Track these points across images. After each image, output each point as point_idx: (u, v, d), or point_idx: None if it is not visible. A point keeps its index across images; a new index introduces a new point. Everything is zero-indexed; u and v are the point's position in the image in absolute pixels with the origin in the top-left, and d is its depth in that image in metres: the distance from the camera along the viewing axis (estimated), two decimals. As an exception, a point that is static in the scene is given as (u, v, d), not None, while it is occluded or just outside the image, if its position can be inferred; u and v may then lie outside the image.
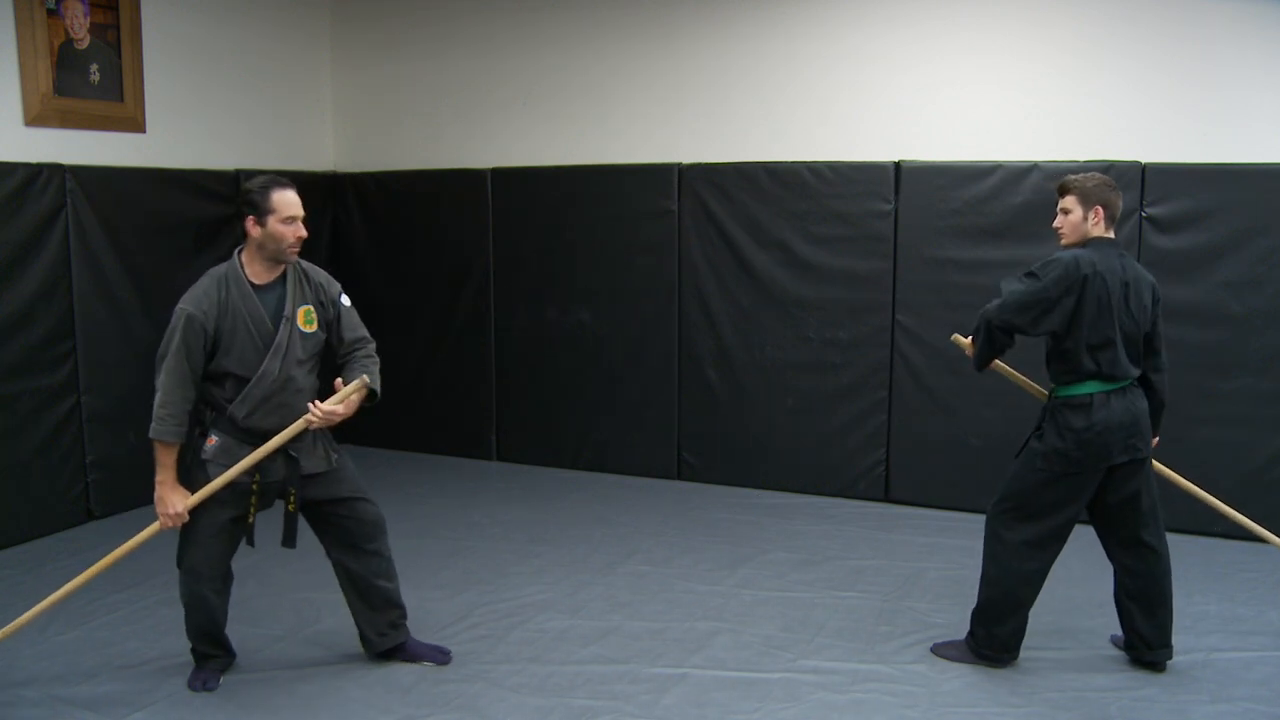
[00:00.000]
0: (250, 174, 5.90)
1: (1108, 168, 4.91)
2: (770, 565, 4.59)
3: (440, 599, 4.18)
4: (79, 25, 5.08)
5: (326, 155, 6.82)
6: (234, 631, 3.79)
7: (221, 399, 3.23)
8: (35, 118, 4.92)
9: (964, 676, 3.51)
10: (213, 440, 3.23)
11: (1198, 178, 4.83)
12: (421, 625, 3.86)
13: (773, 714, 3.27)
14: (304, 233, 3.24)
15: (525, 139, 6.30)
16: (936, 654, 3.67)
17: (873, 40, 5.45)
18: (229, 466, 3.19)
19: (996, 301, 3.39)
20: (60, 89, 5.02)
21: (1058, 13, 5.10)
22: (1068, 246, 3.47)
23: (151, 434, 3.15)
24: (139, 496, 5.34)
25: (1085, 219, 3.40)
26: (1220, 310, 4.84)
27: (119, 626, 3.90)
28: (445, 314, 6.44)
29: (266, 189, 3.18)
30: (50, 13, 4.94)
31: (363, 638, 3.56)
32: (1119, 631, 3.70)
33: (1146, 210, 4.91)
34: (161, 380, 3.14)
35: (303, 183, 6.32)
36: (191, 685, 3.40)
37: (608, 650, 3.72)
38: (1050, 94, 5.14)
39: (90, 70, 5.16)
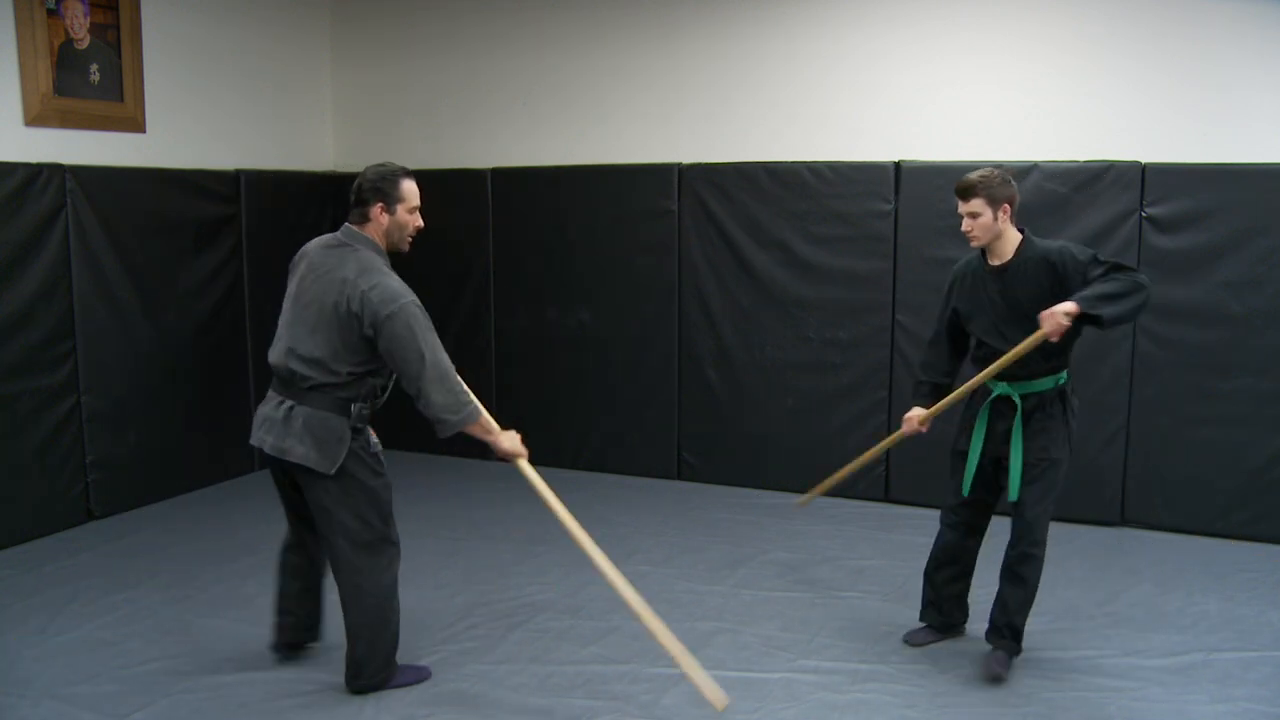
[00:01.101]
0: (250, 174, 5.94)
1: (1108, 168, 4.92)
2: (770, 565, 4.59)
3: (440, 599, 4.18)
4: (79, 25, 5.08)
5: (326, 155, 6.82)
6: (234, 631, 3.81)
7: (379, 388, 3.26)
8: (35, 118, 4.92)
9: (964, 677, 3.51)
10: (373, 434, 3.28)
11: (1198, 178, 4.83)
12: (421, 625, 3.87)
13: (773, 714, 3.27)
14: (422, 223, 3.28)
15: (525, 139, 6.30)
16: (994, 675, 3.46)
17: (873, 40, 5.46)
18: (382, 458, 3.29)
19: (1136, 273, 3.21)
20: (60, 89, 5.02)
21: (1058, 13, 5.10)
22: (978, 247, 3.48)
23: (467, 419, 3.14)
24: (139, 496, 5.37)
25: (995, 219, 3.38)
26: (1220, 310, 4.84)
27: (119, 626, 3.89)
28: (445, 314, 6.42)
29: (395, 177, 3.19)
30: (50, 13, 4.94)
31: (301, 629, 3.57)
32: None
33: (1146, 210, 4.91)
34: (447, 366, 3.11)
35: (303, 183, 6.41)
36: (410, 680, 3.43)
37: (608, 650, 3.72)
38: (1050, 94, 5.14)
39: (90, 70, 5.16)
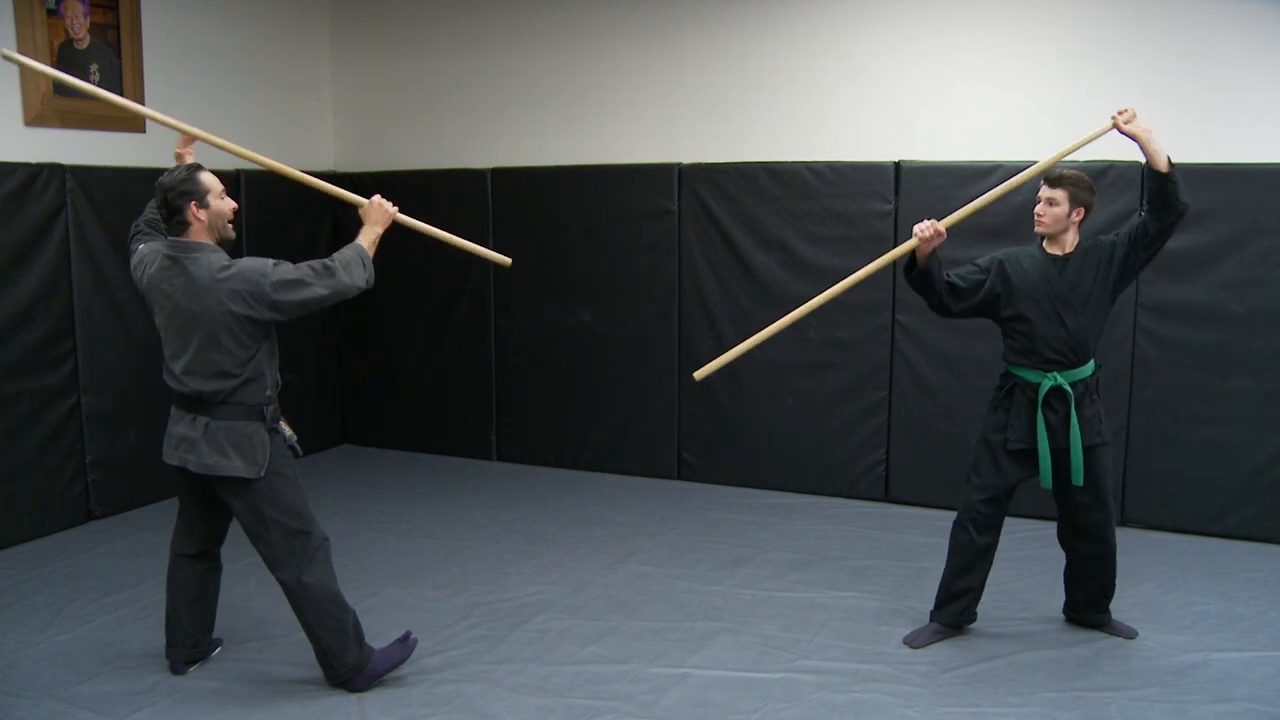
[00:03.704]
0: (250, 174, 5.93)
1: (1108, 168, 4.92)
2: (770, 565, 4.58)
3: (440, 599, 4.18)
4: (79, 25, 5.08)
5: (326, 155, 6.81)
6: (235, 631, 3.81)
7: (276, 380, 3.32)
8: (35, 118, 4.92)
9: (964, 676, 3.52)
10: (286, 427, 3.36)
11: (1198, 178, 4.80)
12: (421, 625, 3.87)
13: (773, 714, 3.27)
14: (235, 203, 3.34)
15: (525, 139, 6.30)
16: (1133, 631, 3.82)
17: (873, 40, 5.45)
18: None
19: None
20: (60, 89, 5.01)
21: (1057, 13, 5.10)
22: (1041, 235, 3.62)
23: (366, 259, 3.33)
24: (139, 496, 5.37)
25: (1069, 214, 3.55)
26: (1220, 310, 4.84)
27: (119, 626, 3.90)
28: (445, 314, 6.44)
29: (192, 174, 3.20)
30: (50, 13, 4.94)
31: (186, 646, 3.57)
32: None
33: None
34: (327, 269, 3.21)
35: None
36: (397, 658, 3.47)
37: (608, 650, 3.72)
38: (1050, 94, 5.14)
39: (90, 70, 5.16)
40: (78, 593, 4.21)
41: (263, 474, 3.20)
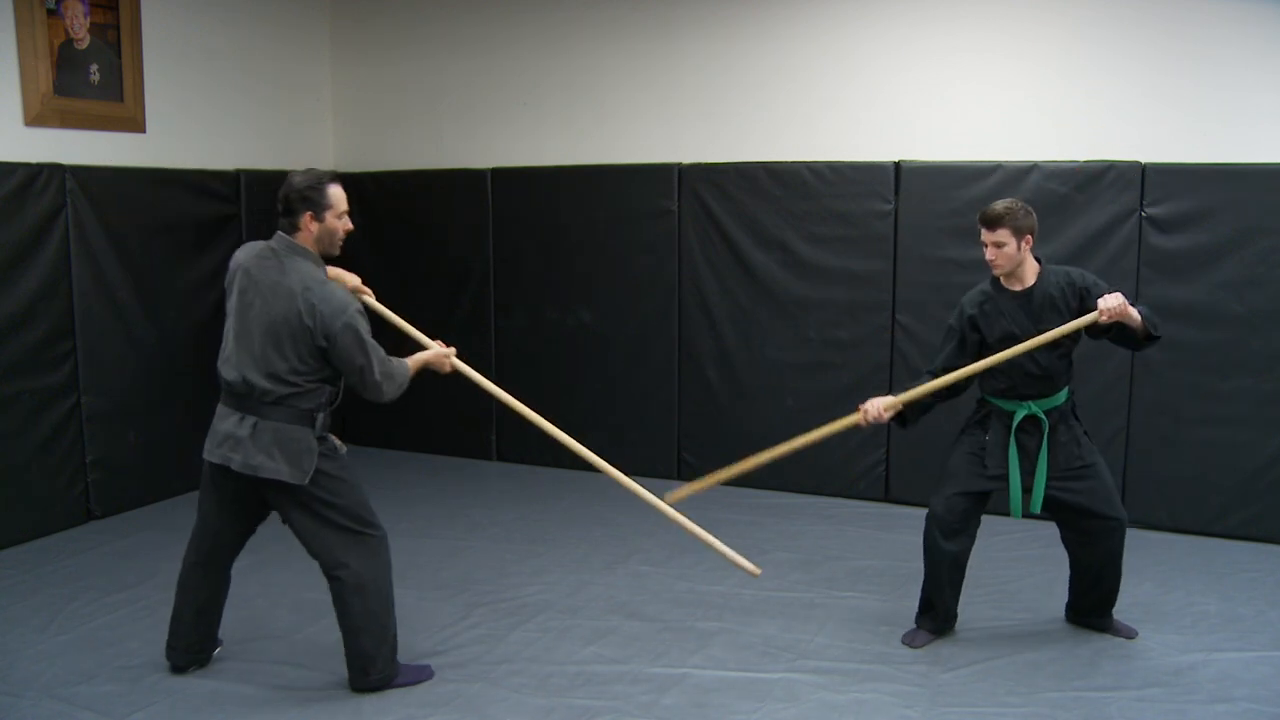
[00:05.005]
0: (250, 174, 5.94)
1: (1108, 168, 4.92)
2: (770, 565, 4.57)
3: (440, 599, 4.18)
4: (79, 25, 5.08)
5: (326, 155, 6.81)
6: (235, 631, 3.80)
7: (335, 394, 3.28)
8: (35, 118, 4.92)
9: (964, 676, 3.51)
10: (335, 438, 3.32)
11: (1198, 178, 4.83)
12: (421, 625, 3.87)
13: (773, 714, 3.27)
14: (351, 225, 3.29)
15: (525, 139, 6.30)
16: (1134, 632, 3.80)
17: (873, 40, 5.45)
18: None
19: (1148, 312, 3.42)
20: (60, 89, 5.02)
21: (1057, 13, 5.10)
22: (999, 274, 3.62)
23: (406, 383, 3.28)
24: (139, 496, 5.37)
25: (1019, 249, 3.53)
26: (1220, 310, 4.84)
27: (119, 626, 3.89)
28: (445, 314, 6.43)
29: (322, 184, 3.18)
30: (50, 13, 4.94)
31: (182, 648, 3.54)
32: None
33: (1146, 210, 4.91)
34: (388, 364, 3.21)
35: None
36: (412, 679, 3.45)
37: (608, 650, 3.72)
38: (1050, 94, 5.14)
39: (90, 70, 5.16)
40: (78, 593, 4.21)
41: (306, 481, 3.15)
